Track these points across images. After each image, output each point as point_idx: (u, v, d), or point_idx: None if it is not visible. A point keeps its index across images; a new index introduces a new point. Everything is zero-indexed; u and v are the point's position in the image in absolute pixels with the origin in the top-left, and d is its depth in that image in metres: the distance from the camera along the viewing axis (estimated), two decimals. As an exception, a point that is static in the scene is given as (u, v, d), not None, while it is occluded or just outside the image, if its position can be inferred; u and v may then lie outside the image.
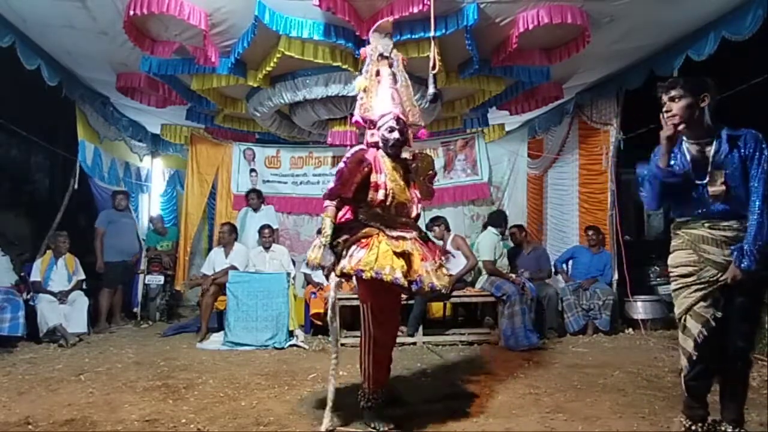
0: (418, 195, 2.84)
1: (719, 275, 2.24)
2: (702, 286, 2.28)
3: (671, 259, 2.41)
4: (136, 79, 5.02)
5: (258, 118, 5.75)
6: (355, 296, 5.07)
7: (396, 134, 2.72)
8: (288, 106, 5.40)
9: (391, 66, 2.96)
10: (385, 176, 2.69)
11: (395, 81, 2.92)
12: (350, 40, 4.06)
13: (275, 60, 4.28)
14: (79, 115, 5.68)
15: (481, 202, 7.28)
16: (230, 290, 5.09)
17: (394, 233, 2.67)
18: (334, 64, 4.37)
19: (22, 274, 5.35)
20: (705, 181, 2.27)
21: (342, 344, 4.85)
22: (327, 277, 2.75)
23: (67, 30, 4.11)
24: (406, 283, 2.51)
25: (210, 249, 6.46)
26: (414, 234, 2.76)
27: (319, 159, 7.18)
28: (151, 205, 7.73)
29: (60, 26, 4.05)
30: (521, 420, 2.82)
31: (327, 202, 2.72)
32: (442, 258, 2.82)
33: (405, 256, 2.57)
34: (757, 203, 2.18)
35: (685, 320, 2.34)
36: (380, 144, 2.77)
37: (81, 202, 6.20)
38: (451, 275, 2.87)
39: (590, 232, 5.56)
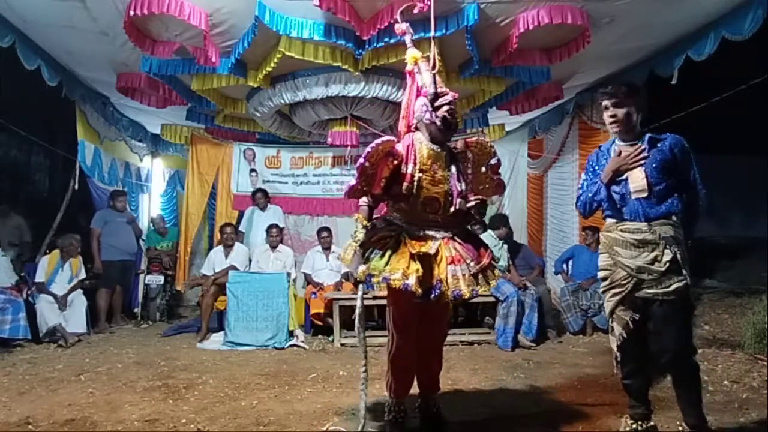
0: (459, 188, 2.49)
1: (629, 279, 2.31)
2: (617, 290, 2.35)
3: (599, 262, 2.51)
4: (136, 80, 5.01)
5: (258, 118, 5.75)
6: (356, 296, 5.09)
7: (456, 118, 2.51)
8: (288, 106, 5.39)
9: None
10: (414, 166, 2.43)
11: (429, 63, 2.68)
12: (350, 40, 4.06)
13: (275, 60, 4.28)
14: (79, 116, 5.67)
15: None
16: (230, 290, 5.09)
17: (420, 232, 2.44)
18: (334, 64, 4.37)
19: (22, 274, 5.34)
20: (625, 177, 2.35)
21: (342, 344, 4.87)
22: (355, 285, 2.50)
23: (67, 30, 4.10)
24: (419, 291, 2.30)
25: (210, 249, 6.46)
26: (449, 233, 2.48)
27: (319, 159, 7.17)
28: (151, 205, 7.74)
29: (60, 26, 4.05)
30: (521, 420, 2.82)
31: (361, 201, 2.53)
32: (491, 259, 2.53)
33: (425, 259, 2.37)
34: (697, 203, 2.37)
35: (611, 323, 2.43)
36: (437, 124, 2.47)
37: (81, 202, 6.20)
38: (495, 278, 2.56)
39: (588, 232, 5.58)
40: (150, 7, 3.46)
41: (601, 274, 2.47)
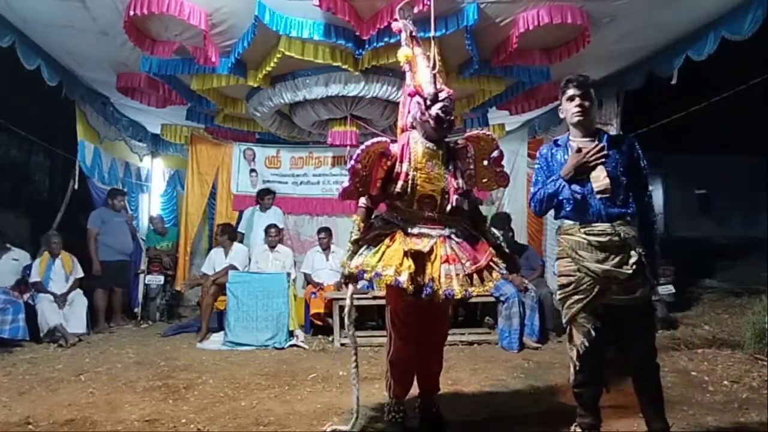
0: (456, 185, 2.45)
1: (595, 285, 2.24)
2: (580, 296, 2.28)
3: (557, 267, 2.43)
4: (136, 79, 5.01)
5: (258, 118, 5.75)
6: (356, 296, 5.09)
7: (451, 116, 2.46)
8: (288, 106, 5.39)
9: (419, 46, 2.73)
10: (408, 165, 2.41)
11: (430, 62, 2.62)
12: (350, 40, 4.06)
13: (275, 60, 4.28)
14: (79, 115, 5.66)
15: (481, 203, 7.27)
16: (230, 290, 5.09)
17: (416, 230, 2.43)
18: (334, 64, 4.37)
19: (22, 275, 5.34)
20: (586, 177, 2.29)
21: (342, 344, 4.87)
22: (345, 282, 2.54)
23: (67, 30, 4.11)
24: (410, 288, 2.28)
25: (210, 249, 6.46)
26: (445, 231, 2.45)
27: (319, 159, 7.17)
28: (151, 205, 7.74)
29: (60, 26, 4.05)
30: (521, 420, 2.82)
31: (360, 202, 2.55)
32: (490, 260, 2.49)
33: (419, 257, 2.35)
34: (648, 212, 2.35)
35: (570, 330, 2.36)
36: (430, 123, 2.43)
37: (81, 202, 6.19)
38: (492, 279, 2.52)
39: None
40: (150, 7, 3.47)
41: (561, 281, 2.35)
